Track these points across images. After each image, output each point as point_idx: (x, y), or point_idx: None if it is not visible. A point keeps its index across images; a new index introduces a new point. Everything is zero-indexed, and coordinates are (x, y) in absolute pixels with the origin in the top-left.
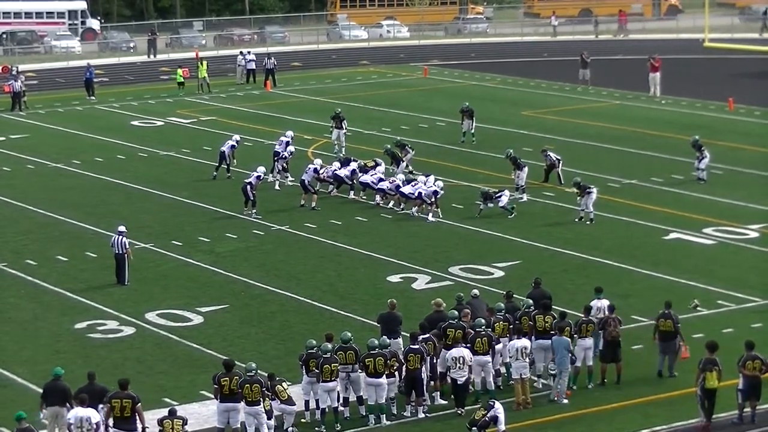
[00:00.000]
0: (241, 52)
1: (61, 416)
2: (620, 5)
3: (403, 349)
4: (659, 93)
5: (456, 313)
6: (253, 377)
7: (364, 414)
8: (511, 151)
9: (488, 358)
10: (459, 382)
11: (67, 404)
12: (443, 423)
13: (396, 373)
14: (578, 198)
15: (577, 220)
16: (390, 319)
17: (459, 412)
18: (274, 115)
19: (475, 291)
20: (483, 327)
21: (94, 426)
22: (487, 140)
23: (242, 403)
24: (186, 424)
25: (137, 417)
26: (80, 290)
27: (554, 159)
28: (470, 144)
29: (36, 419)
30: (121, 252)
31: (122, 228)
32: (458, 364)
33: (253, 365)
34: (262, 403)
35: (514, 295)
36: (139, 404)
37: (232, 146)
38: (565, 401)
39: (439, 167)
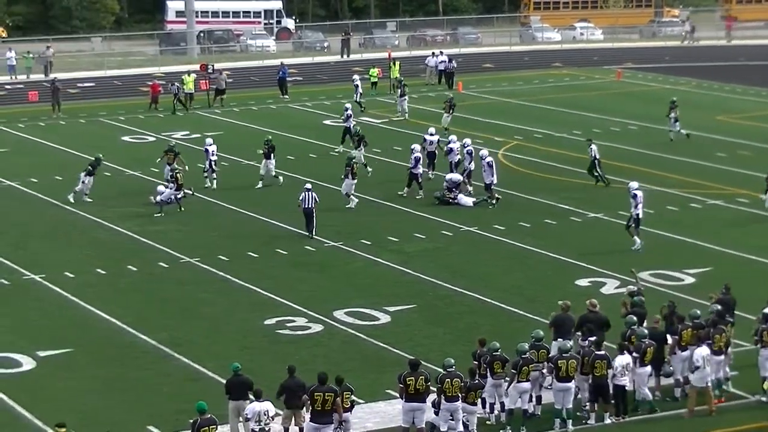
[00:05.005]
0: (433, 53)
1: (243, 410)
2: None
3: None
4: None
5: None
6: (453, 372)
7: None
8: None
9: (648, 369)
10: (623, 388)
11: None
12: (627, 430)
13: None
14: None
15: None
16: (564, 321)
17: (620, 419)
18: (464, 116)
19: (632, 287)
20: (646, 336)
21: (272, 417)
22: (680, 145)
23: (428, 403)
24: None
25: (336, 410)
26: (270, 287)
27: (595, 154)
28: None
29: (222, 412)
30: (310, 206)
31: (309, 185)
32: (626, 371)
33: (452, 361)
34: (459, 399)
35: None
36: (338, 398)
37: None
38: None
39: (631, 171)
